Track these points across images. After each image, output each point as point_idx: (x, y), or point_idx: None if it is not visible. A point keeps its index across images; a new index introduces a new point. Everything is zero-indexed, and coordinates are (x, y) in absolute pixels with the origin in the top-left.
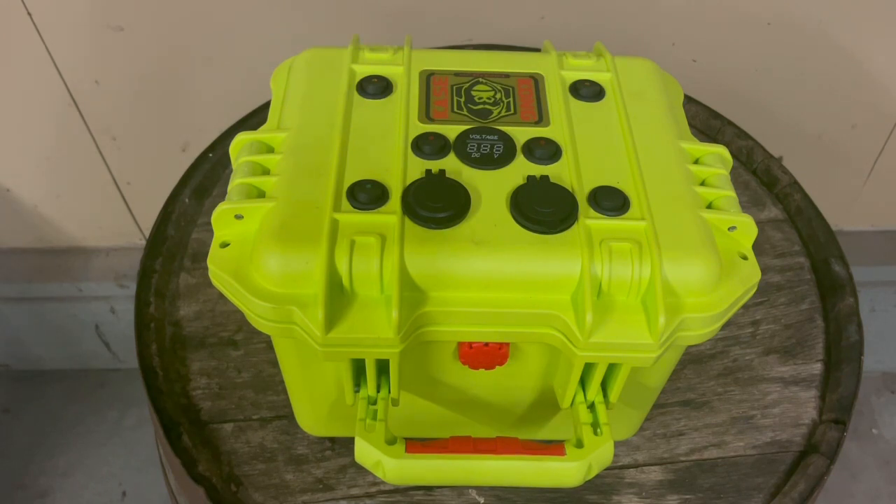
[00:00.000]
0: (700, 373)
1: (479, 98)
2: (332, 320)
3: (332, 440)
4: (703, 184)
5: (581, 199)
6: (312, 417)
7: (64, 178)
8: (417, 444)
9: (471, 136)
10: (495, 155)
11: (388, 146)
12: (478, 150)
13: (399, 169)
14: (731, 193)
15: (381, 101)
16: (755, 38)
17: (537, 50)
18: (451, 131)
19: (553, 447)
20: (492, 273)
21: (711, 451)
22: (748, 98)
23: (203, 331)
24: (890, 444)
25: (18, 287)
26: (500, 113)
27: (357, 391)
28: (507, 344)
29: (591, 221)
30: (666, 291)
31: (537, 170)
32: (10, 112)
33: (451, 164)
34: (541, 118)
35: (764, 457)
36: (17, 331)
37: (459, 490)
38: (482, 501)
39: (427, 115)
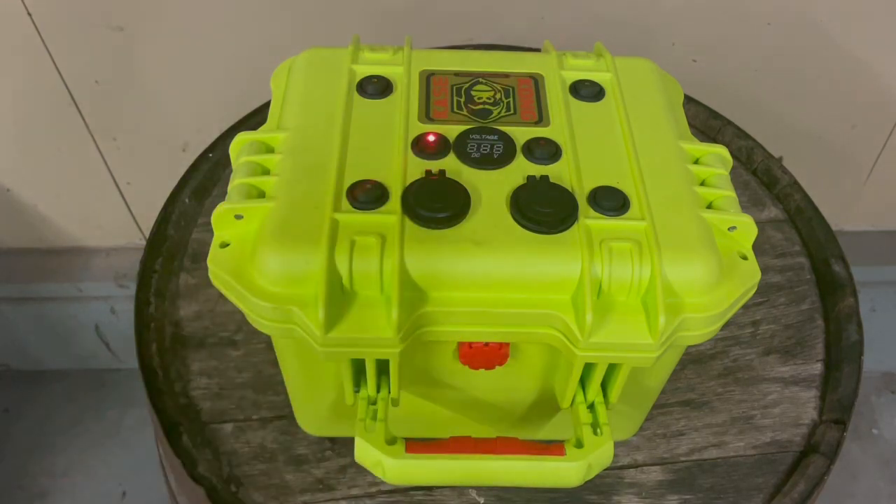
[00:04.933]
0: (700, 373)
1: (479, 98)
2: (332, 320)
3: (332, 440)
4: (703, 184)
5: (581, 199)
6: (312, 417)
7: (64, 178)
8: (417, 444)
9: (471, 136)
10: (495, 155)
11: (387, 146)
12: (478, 150)
13: (399, 169)
14: (731, 193)
15: (380, 101)
16: (755, 38)
17: (537, 50)
18: (451, 131)
19: (553, 447)
20: (492, 273)
21: (711, 451)
22: (748, 98)
23: (203, 331)
24: (890, 444)
25: (18, 287)
26: (500, 113)
27: (357, 391)
28: (507, 344)
29: (591, 221)
30: (666, 291)
31: (537, 170)
32: (11, 112)
33: (450, 165)
34: (541, 118)
35: (764, 457)
36: (17, 331)
37: (459, 490)
38: (482, 501)
39: (427, 115)
